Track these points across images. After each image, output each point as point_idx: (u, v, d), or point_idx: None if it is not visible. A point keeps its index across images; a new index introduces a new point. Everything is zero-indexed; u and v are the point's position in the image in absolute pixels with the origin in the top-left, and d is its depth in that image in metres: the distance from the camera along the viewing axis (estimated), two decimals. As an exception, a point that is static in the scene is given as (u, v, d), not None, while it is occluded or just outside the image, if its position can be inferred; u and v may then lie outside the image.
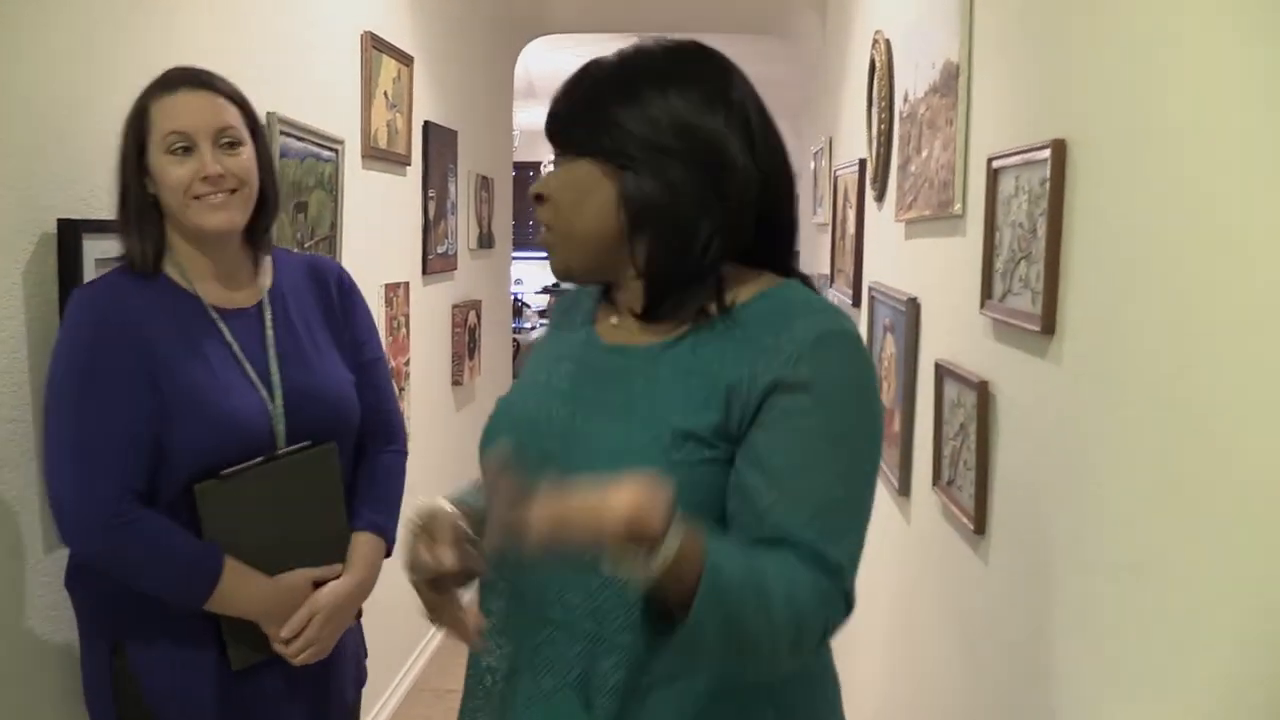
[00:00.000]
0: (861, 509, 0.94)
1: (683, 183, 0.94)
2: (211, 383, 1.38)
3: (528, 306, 10.07)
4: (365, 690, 1.70)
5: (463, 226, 3.82)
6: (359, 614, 1.57)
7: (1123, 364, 1.11)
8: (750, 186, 0.96)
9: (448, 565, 0.98)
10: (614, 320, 1.05)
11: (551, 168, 1.03)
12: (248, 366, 1.43)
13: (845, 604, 0.92)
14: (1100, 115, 1.20)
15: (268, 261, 1.54)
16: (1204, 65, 0.98)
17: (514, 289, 5.72)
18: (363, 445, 1.60)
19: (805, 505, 0.89)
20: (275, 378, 1.44)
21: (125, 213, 1.40)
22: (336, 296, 1.59)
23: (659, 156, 0.93)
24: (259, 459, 1.40)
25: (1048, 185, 1.27)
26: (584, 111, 0.98)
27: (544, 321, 8.81)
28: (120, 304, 1.36)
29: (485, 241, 4.19)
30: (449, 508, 1.03)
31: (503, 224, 4.59)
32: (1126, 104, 1.14)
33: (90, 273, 1.52)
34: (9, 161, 1.41)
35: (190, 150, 1.37)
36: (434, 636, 3.54)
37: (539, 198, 1.01)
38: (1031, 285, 1.33)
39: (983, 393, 1.53)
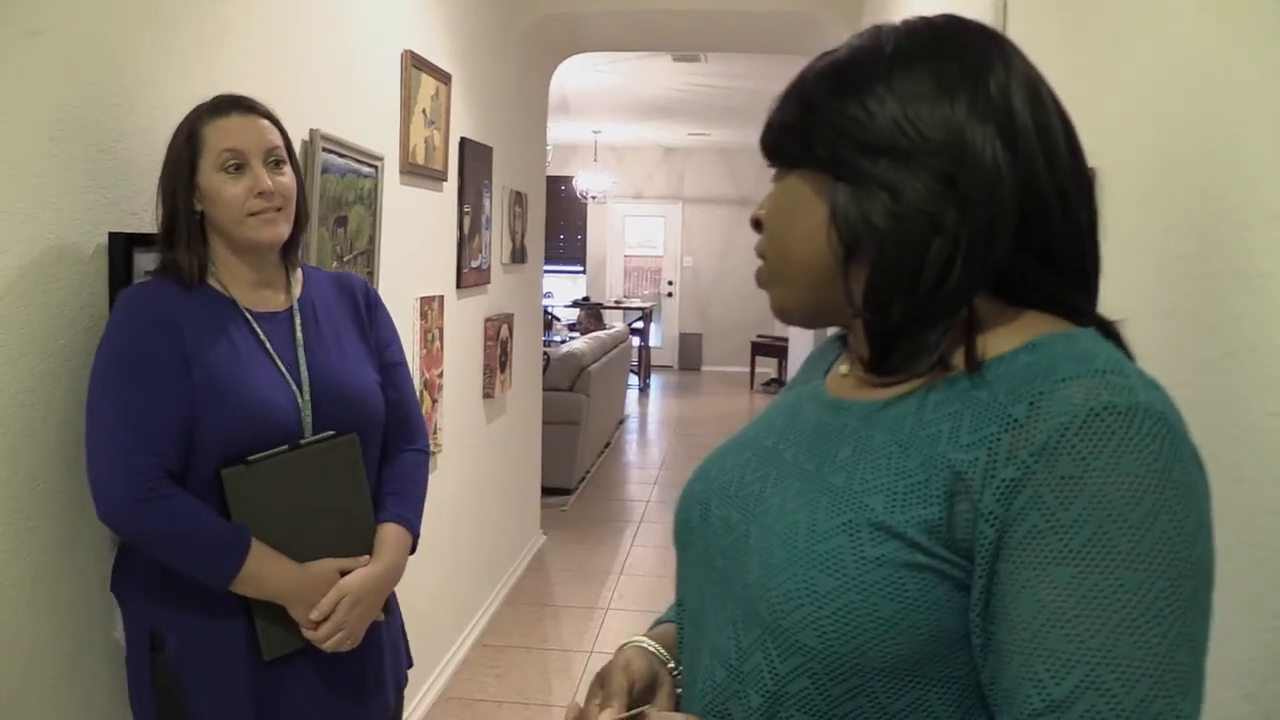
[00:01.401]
0: (1168, 667, 0.60)
1: (905, 190, 0.71)
2: (244, 373, 1.46)
3: (558, 320, 10.13)
4: (395, 698, 1.73)
5: (496, 241, 3.87)
6: (387, 609, 1.62)
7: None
8: (1000, 192, 0.70)
9: None
10: (843, 369, 0.84)
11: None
12: (278, 361, 1.51)
13: None
14: (1131, 144, 1.22)
15: (299, 274, 1.65)
16: (1234, 94, 0.99)
17: (544, 302, 5.76)
18: (387, 443, 1.67)
19: (1068, 673, 0.61)
20: (304, 372, 1.53)
21: (173, 228, 1.48)
22: (363, 305, 1.70)
23: (875, 159, 0.72)
24: (284, 447, 1.47)
25: (1077, 213, 1.29)
26: (796, 115, 0.78)
27: (573, 335, 8.86)
28: (163, 301, 1.45)
29: (518, 256, 4.23)
30: (631, 659, 0.87)
31: (535, 238, 4.63)
32: (1157, 133, 1.15)
33: (140, 285, 1.57)
34: (65, 176, 1.46)
35: (242, 168, 1.48)
36: (462, 645, 3.57)
37: (757, 224, 0.83)
38: (1060, 311, 1.35)
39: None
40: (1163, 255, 1.13)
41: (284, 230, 1.53)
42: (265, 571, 1.43)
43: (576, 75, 7.24)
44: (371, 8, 2.58)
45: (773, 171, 0.81)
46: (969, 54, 0.73)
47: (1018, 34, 1.74)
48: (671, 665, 0.89)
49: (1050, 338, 0.70)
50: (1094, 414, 0.62)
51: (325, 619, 1.49)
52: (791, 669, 0.70)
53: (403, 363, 1.74)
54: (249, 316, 1.52)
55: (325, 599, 1.49)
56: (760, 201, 0.82)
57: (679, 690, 0.87)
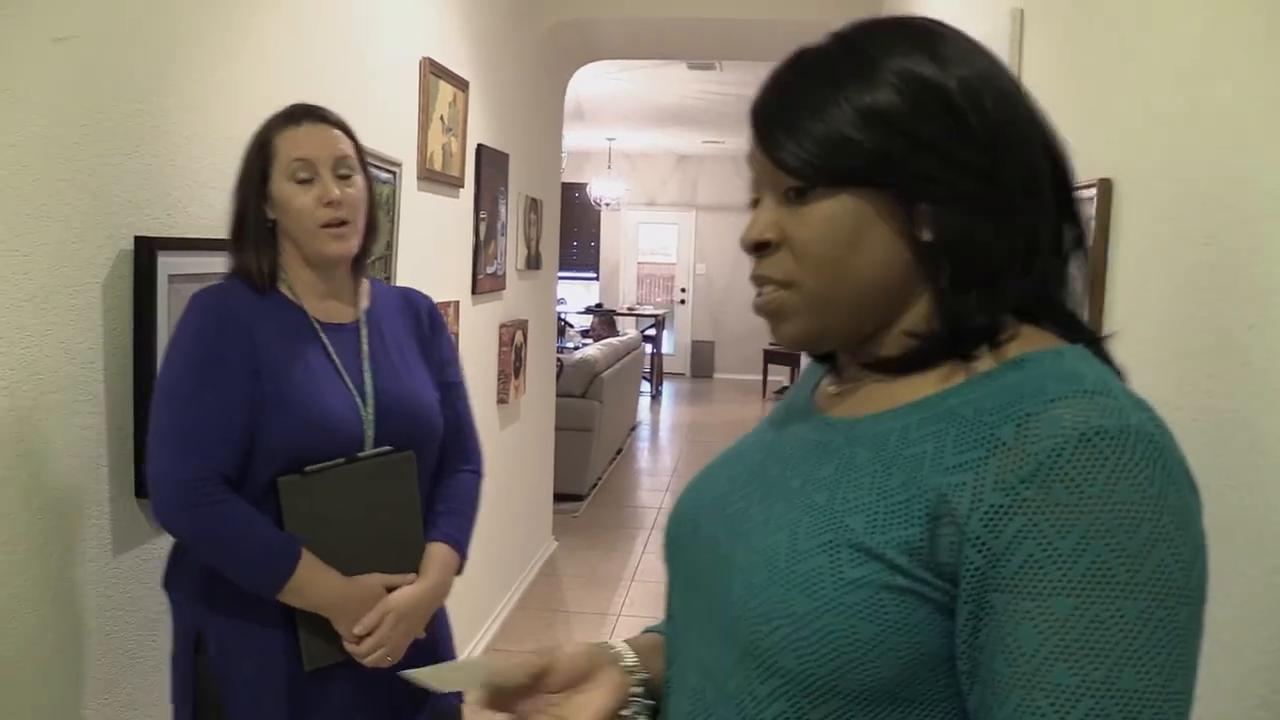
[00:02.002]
0: (1166, 695, 0.59)
1: (1005, 207, 0.69)
2: (311, 383, 1.47)
3: (571, 326, 10.15)
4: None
5: (511, 247, 3.89)
6: (429, 628, 1.60)
7: (1167, 397, 1.13)
8: (1049, 199, 0.70)
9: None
10: (831, 389, 0.81)
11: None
12: (344, 374, 1.52)
13: None
14: (1146, 154, 1.22)
15: (365, 286, 1.65)
16: (1246, 102, 1.00)
17: (558, 309, 5.79)
18: (442, 463, 1.67)
19: (1073, 707, 0.59)
20: (368, 386, 1.54)
21: (243, 234, 1.51)
22: (427, 323, 1.72)
23: (967, 177, 0.68)
24: (341, 459, 1.47)
25: (1093, 223, 1.30)
26: (858, 131, 0.70)
27: (586, 341, 8.87)
28: (237, 306, 1.47)
29: (533, 262, 4.25)
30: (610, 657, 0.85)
31: (550, 245, 4.66)
32: (1171, 142, 1.16)
33: (164, 288, 1.60)
34: (90, 179, 1.48)
35: (311, 178, 1.49)
36: (474, 650, 3.58)
37: (761, 247, 0.77)
38: (1075, 319, 1.35)
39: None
40: (1176, 263, 1.14)
41: (353, 245, 1.54)
42: (313, 582, 1.44)
43: (591, 82, 7.27)
44: (390, 15, 2.61)
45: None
46: (989, 58, 0.72)
47: (1033, 40, 1.74)
48: (636, 672, 0.85)
49: (1038, 355, 0.68)
50: (1085, 438, 0.60)
51: (369, 634, 1.48)
52: (770, 691, 0.68)
53: (461, 383, 1.75)
54: (317, 326, 1.53)
55: (370, 614, 1.49)
56: (759, 223, 0.76)
57: (633, 692, 0.83)
